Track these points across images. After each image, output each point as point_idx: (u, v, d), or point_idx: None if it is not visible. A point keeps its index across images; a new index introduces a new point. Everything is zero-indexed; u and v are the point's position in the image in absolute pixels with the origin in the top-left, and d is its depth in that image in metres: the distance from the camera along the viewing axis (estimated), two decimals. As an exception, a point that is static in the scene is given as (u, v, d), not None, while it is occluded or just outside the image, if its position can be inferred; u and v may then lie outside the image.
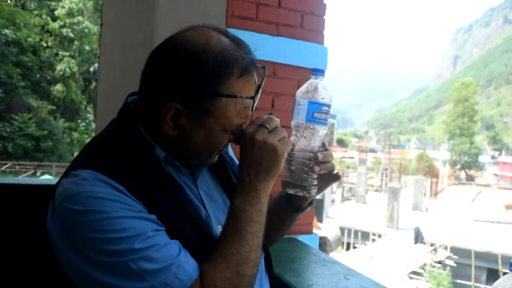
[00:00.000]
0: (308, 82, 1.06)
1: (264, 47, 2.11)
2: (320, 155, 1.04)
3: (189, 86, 0.89)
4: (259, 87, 0.97)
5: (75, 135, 29.09)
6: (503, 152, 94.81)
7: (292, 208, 1.19)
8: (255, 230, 0.92)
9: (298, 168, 1.05)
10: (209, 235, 0.96)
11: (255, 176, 0.94)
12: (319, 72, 1.06)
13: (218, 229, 1.00)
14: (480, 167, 71.69)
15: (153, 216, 0.87)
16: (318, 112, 1.02)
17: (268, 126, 0.94)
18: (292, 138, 1.05)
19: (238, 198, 0.94)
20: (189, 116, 0.91)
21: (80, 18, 30.23)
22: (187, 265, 0.84)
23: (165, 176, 0.95)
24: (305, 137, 1.04)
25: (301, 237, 2.13)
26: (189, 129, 0.93)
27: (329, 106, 1.04)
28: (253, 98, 0.95)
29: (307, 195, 1.07)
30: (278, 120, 0.97)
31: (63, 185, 0.87)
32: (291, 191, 1.06)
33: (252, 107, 0.96)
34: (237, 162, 1.18)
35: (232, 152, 1.24)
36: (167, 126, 0.92)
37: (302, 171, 1.05)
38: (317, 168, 1.04)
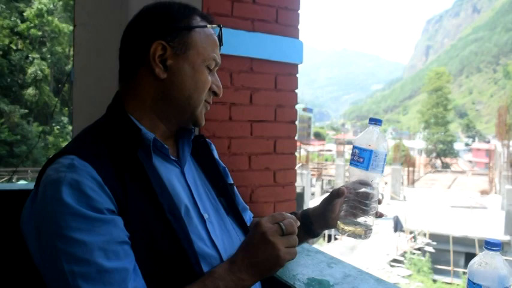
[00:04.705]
0: (376, 131, 1.08)
1: (240, 42, 2.12)
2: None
3: (166, 24, 1.01)
4: (220, 39, 1.09)
5: (50, 138, 28.38)
6: (477, 139, 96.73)
7: (311, 235, 1.28)
8: None
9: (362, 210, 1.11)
10: (175, 230, 0.92)
11: (246, 266, 0.93)
12: (377, 121, 1.09)
13: (205, 216, 1.02)
14: (455, 155, 73.17)
15: (120, 220, 0.86)
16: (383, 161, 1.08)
17: (284, 229, 0.94)
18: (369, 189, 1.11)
19: (219, 271, 0.93)
20: (173, 53, 1.00)
21: (49, 18, 29.51)
22: None
23: (146, 161, 0.96)
24: (375, 188, 1.10)
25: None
26: (176, 67, 1.01)
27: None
28: (219, 26, 1.08)
29: (365, 238, 1.15)
30: (296, 226, 0.96)
31: (46, 172, 0.89)
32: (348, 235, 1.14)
33: (220, 41, 1.09)
34: (222, 164, 1.27)
35: (217, 154, 1.29)
36: (158, 69, 0.99)
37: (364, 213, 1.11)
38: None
